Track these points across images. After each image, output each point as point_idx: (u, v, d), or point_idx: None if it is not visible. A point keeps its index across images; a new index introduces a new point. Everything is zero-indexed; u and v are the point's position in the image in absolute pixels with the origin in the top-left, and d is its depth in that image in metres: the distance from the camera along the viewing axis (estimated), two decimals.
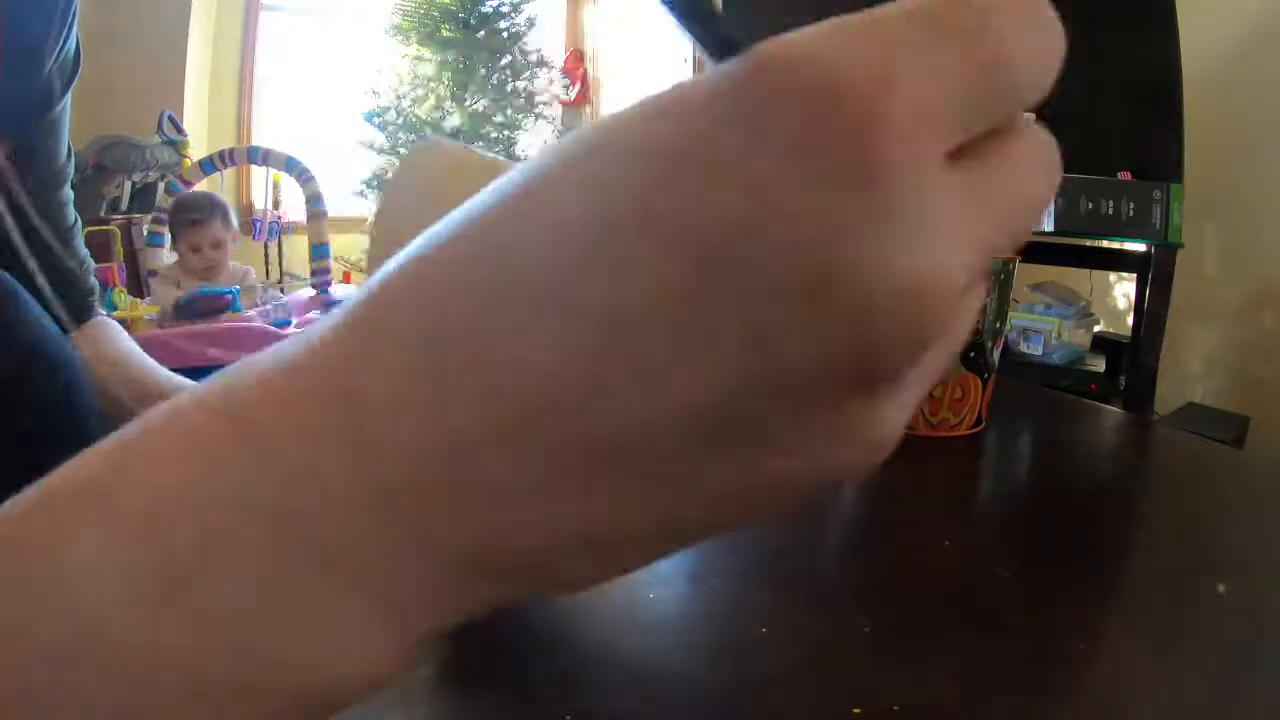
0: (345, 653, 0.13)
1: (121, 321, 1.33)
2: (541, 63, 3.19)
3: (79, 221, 0.66)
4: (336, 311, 0.14)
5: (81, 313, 0.63)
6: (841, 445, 0.12)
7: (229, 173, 2.72)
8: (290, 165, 2.38)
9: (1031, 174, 0.13)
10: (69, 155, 0.64)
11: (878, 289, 0.10)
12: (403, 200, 0.36)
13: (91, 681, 0.12)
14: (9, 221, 0.57)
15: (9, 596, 0.12)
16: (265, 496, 0.13)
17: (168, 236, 2.19)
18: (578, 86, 3.63)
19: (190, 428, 0.13)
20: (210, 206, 2.02)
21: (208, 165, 2.44)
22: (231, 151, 2.48)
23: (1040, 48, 0.13)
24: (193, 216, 1.98)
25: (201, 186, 2.44)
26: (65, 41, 0.57)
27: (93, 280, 0.66)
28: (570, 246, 0.12)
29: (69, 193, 0.65)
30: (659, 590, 0.32)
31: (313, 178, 2.30)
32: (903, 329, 0.11)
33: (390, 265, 0.14)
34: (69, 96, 0.60)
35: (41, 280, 0.57)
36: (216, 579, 0.12)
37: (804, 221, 0.10)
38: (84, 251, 0.66)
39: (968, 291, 0.12)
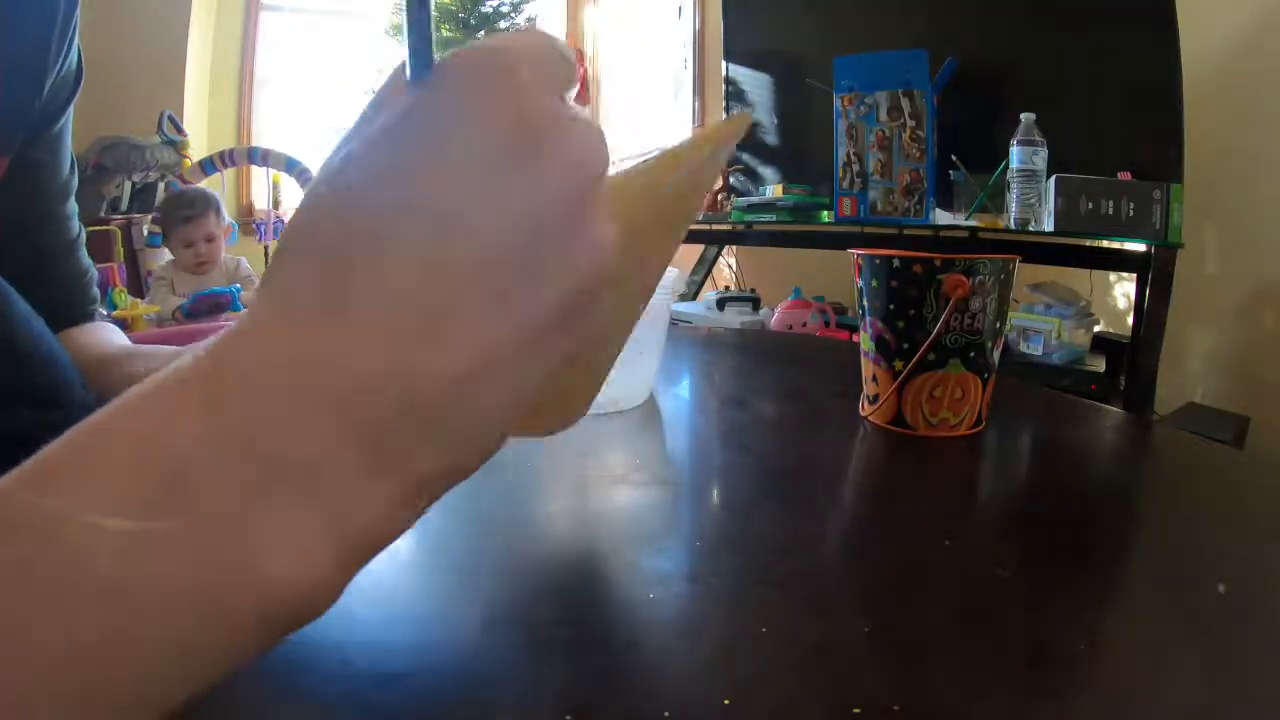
0: (302, 565, 0.16)
1: (121, 322, 1.33)
2: None
3: (83, 232, 0.66)
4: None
5: (83, 321, 0.64)
6: (580, 251, 0.18)
7: (229, 174, 2.72)
8: (290, 165, 2.38)
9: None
10: (73, 169, 0.64)
11: (570, 134, 0.18)
12: None
13: (82, 604, 0.14)
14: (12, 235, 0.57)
15: (6, 542, 0.15)
16: (218, 439, 0.16)
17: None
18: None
19: (161, 386, 0.17)
20: (203, 201, 2.03)
21: (208, 166, 2.44)
22: (232, 152, 2.48)
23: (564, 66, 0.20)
24: (185, 213, 1.99)
25: (202, 186, 2.44)
26: (66, 56, 0.57)
27: (95, 291, 0.66)
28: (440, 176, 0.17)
29: (73, 205, 0.65)
30: (659, 590, 0.32)
31: (313, 178, 2.30)
32: (565, 176, 0.18)
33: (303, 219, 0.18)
34: (71, 110, 0.60)
35: (44, 290, 0.57)
36: (181, 507, 0.15)
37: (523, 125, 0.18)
38: (88, 261, 0.66)
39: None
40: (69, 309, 0.62)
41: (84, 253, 0.66)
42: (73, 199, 0.65)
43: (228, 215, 2.14)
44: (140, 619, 0.15)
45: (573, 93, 0.21)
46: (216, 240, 2.03)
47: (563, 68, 0.20)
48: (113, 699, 0.15)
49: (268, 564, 0.16)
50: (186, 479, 0.15)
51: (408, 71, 0.19)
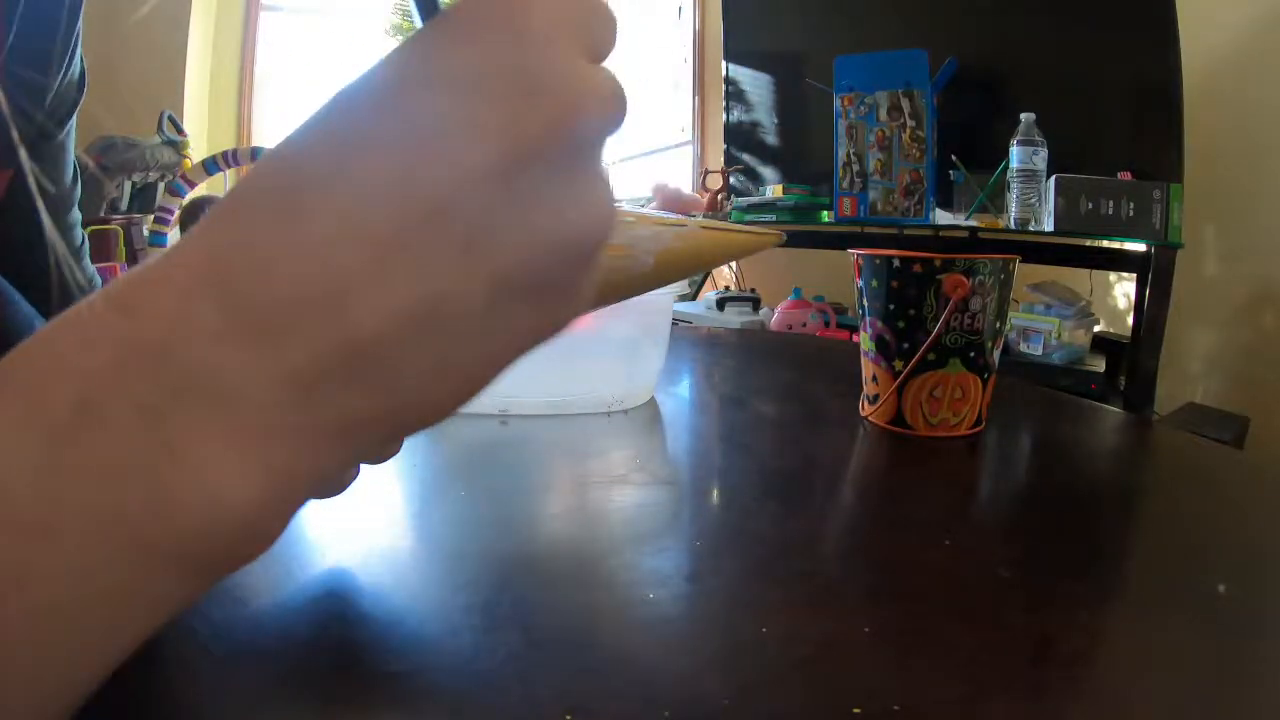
0: (217, 492, 0.15)
1: None
2: None
3: (86, 241, 0.66)
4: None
5: None
6: (576, 208, 0.17)
7: (231, 174, 2.72)
8: None
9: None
10: (75, 179, 0.64)
11: (563, 92, 0.17)
12: None
13: None
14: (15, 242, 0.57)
15: None
16: (136, 352, 0.15)
17: (170, 236, 2.19)
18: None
19: (70, 315, 0.16)
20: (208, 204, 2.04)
21: (211, 165, 2.44)
22: (235, 152, 2.48)
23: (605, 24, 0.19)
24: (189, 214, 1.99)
25: (204, 187, 2.44)
26: (69, 67, 0.57)
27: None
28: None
29: (77, 214, 0.65)
30: (659, 590, 0.32)
31: None
32: (571, 111, 0.17)
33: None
34: (74, 121, 0.60)
35: (48, 300, 0.57)
36: (93, 430, 0.14)
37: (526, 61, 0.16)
38: (91, 270, 0.66)
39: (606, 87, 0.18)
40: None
41: (88, 261, 0.66)
42: (76, 209, 0.65)
43: None
44: (49, 552, 0.14)
45: (607, 55, 0.19)
46: None
47: (594, 25, 0.18)
48: (22, 643, 0.14)
49: (179, 492, 0.15)
50: (96, 399, 0.14)
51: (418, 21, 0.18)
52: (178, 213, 2.06)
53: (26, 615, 0.14)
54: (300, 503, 0.17)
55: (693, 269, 0.27)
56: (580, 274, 0.18)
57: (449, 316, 0.16)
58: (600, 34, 0.18)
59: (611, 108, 0.17)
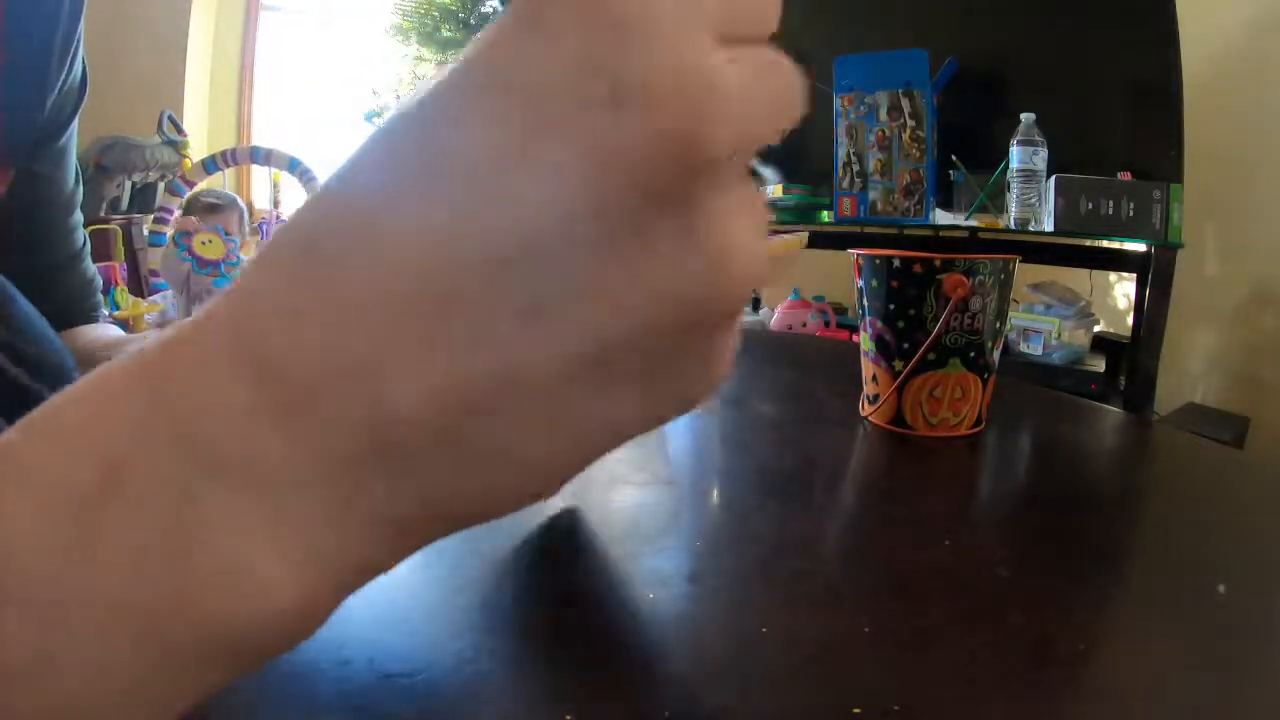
0: (252, 581, 0.13)
1: (123, 322, 1.33)
2: None
3: (88, 243, 0.66)
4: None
5: (84, 323, 0.64)
6: (710, 246, 0.13)
7: (230, 174, 2.72)
8: (293, 165, 2.38)
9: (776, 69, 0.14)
10: (77, 181, 0.64)
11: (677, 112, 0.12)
12: None
13: (6, 621, 0.12)
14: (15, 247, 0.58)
15: None
16: (166, 426, 0.13)
17: (164, 236, 2.19)
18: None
19: (97, 380, 0.14)
20: (232, 203, 2.05)
21: (210, 165, 2.43)
22: (234, 151, 2.47)
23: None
24: (211, 200, 2.02)
25: (203, 186, 2.43)
26: (70, 70, 0.57)
27: (98, 297, 0.67)
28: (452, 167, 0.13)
29: (78, 217, 0.65)
30: (659, 590, 0.32)
31: (315, 178, 2.30)
32: (693, 109, 0.12)
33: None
34: (75, 124, 0.60)
35: (48, 299, 0.57)
36: (120, 511, 0.13)
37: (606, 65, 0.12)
38: (92, 270, 0.66)
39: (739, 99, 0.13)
40: (72, 315, 0.63)
41: (89, 262, 0.66)
42: (78, 211, 0.65)
43: (248, 227, 2.16)
44: (70, 640, 0.13)
45: (762, 32, 0.14)
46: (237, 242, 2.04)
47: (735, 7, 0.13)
48: None
49: (212, 581, 0.13)
50: (122, 477, 0.13)
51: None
52: (178, 212, 2.06)
53: (40, 709, 0.13)
54: (351, 590, 0.15)
55: None
56: (709, 342, 0.14)
57: (508, 399, 0.13)
58: (748, 8, 0.13)
59: (758, 108, 0.13)
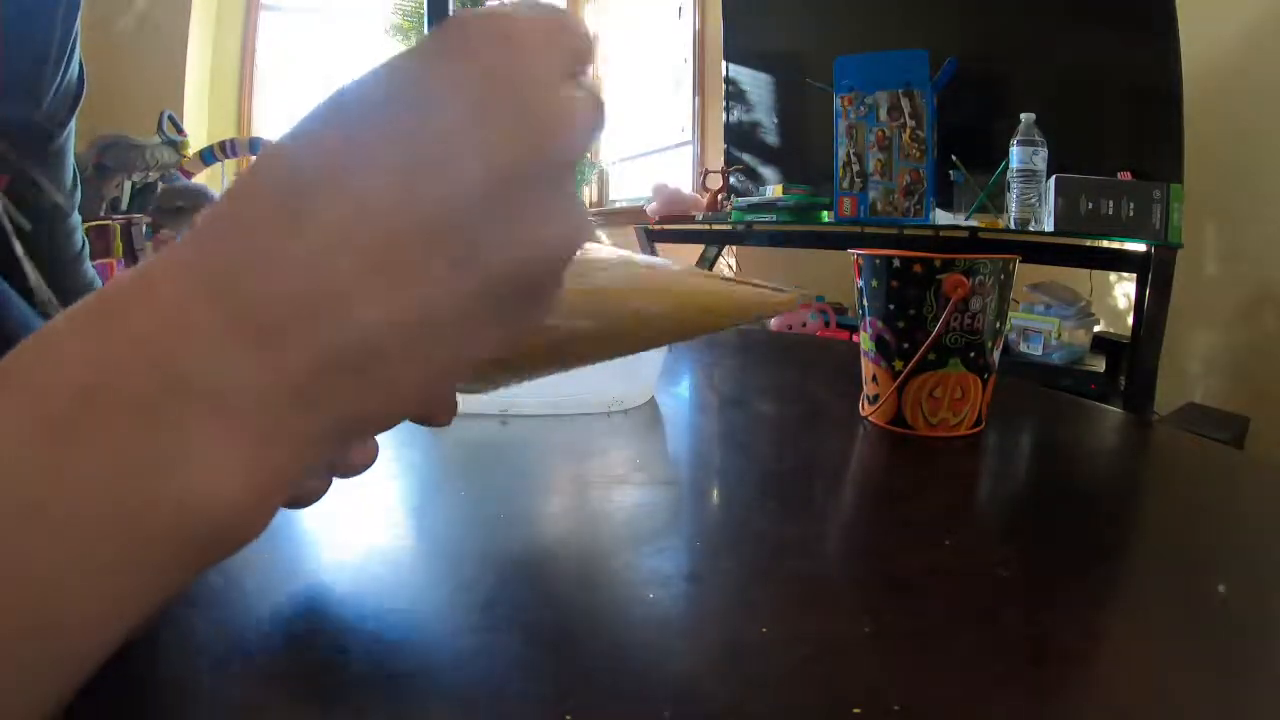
0: (214, 490, 0.15)
1: None
2: None
3: (86, 245, 0.66)
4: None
5: None
6: (553, 224, 0.18)
7: (229, 167, 2.71)
8: None
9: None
10: (75, 184, 0.63)
11: (548, 118, 0.18)
12: None
13: None
14: (15, 250, 0.57)
15: None
16: (136, 351, 0.15)
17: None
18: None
19: (68, 313, 0.16)
20: (200, 196, 2.00)
21: (208, 156, 2.43)
22: (233, 142, 2.47)
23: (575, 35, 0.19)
24: (179, 204, 1.96)
25: (201, 178, 2.43)
26: (66, 71, 0.56)
27: None
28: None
29: (77, 219, 0.65)
30: (659, 590, 0.32)
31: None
32: (555, 136, 0.18)
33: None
34: (73, 125, 0.60)
35: (46, 300, 0.57)
36: (93, 428, 0.15)
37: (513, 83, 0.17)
38: (92, 274, 0.66)
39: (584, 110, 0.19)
40: None
41: (88, 265, 0.66)
42: (76, 213, 0.64)
43: None
44: (56, 542, 0.14)
45: (586, 71, 0.20)
46: None
47: (574, 43, 0.19)
48: (19, 626, 0.14)
49: (178, 489, 0.15)
50: (100, 395, 0.15)
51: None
52: (164, 208, 2.04)
53: (25, 596, 0.14)
54: (283, 499, 0.18)
55: (673, 334, 0.27)
56: (554, 280, 0.19)
57: (439, 323, 0.17)
58: (580, 48, 0.19)
59: (589, 134, 0.19)
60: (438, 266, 0.17)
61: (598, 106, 0.19)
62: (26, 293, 0.61)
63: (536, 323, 0.19)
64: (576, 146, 0.18)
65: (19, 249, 0.57)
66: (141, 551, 0.15)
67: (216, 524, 0.16)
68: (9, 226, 0.56)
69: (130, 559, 0.15)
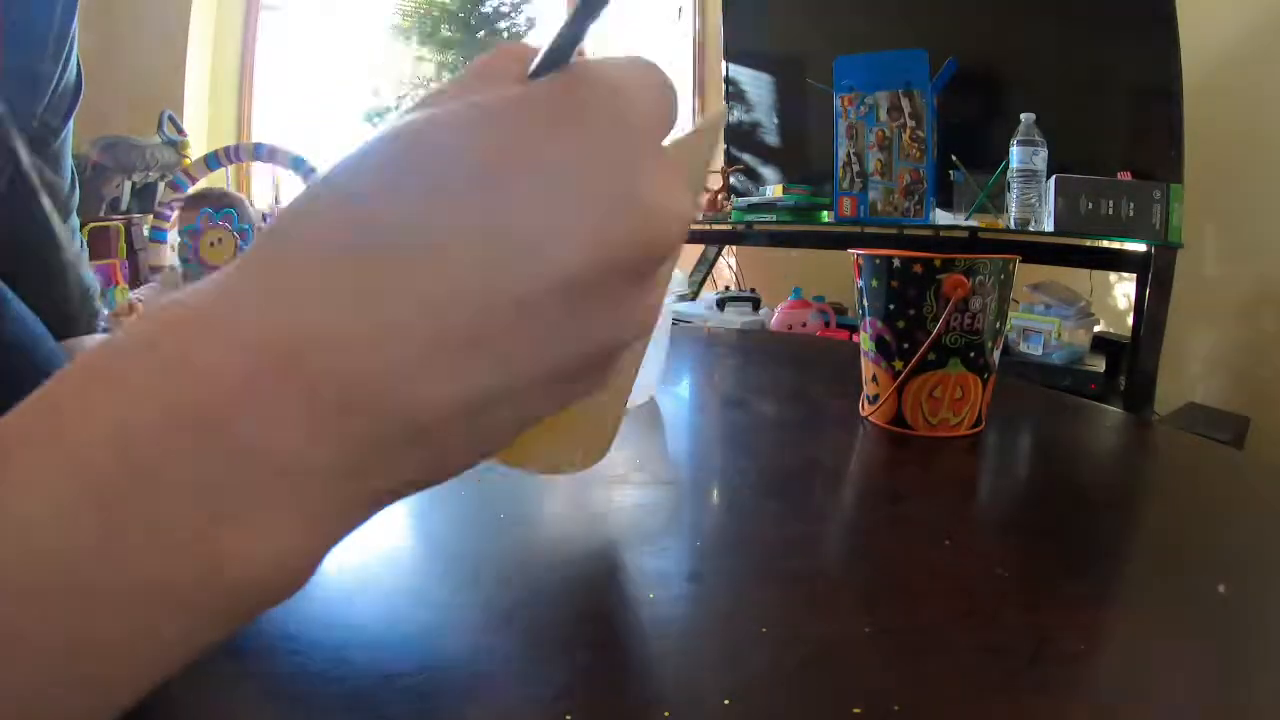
0: (269, 559, 0.15)
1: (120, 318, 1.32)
2: None
3: (85, 249, 0.66)
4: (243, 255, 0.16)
5: (86, 334, 0.64)
6: (634, 313, 0.18)
7: (232, 172, 2.71)
8: (297, 164, 2.38)
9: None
10: (73, 185, 0.63)
11: (657, 212, 0.17)
12: None
13: (43, 603, 0.13)
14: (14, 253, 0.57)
15: None
16: (191, 413, 0.14)
17: (170, 233, 2.16)
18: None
19: (108, 356, 0.15)
20: (221, 199, 2.00)
21: (212, 161, 2.42)
22: (237, 148, 2.46)
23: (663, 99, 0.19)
24: (205, 207, 1.96)
25: (204, 182, 2.43)
26: (64, 71, 0.56)
27: (99, 304, 0.66)
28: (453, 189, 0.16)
29: (75, 221, 0.64)
30: (659, 590, 0.32)
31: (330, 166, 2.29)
32: (662, 233, 0.17)
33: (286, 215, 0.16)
34: (71, 126, 0.60)
35: (47, 306, 0.57)
36: (147, 501, 0.14)
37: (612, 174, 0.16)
38: (90, 277, 0.66)
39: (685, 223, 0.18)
40: (72, 324, 0.62)
41: (87, 268, 0.66)
42: (74, 215, 0.64)
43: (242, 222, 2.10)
44: (102, 623, 0.14)
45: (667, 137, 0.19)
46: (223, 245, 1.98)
47: (672, 109, 0.18)
48: (71, 698, 0.14)
49: (233, 561, 0.15)
50: (149, 466, 0.14)
51: (534, 65, 0.18)
52: (177, 211, 2.04)
53: (78, 662, 0.14)
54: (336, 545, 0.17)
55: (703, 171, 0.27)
56: (610, 364, 0.19)
57: (503, 403, 0.16)
58: (675, 111, 0.19)
59: (687, 222, 0.18)
60: (509, 353, 0.16)
61: (695, 204, 0.19)
62: (59, 260, 0.61)
63: (604, 383, 0.19)
64: (675, 243, 0.17)
65: (47, 204, 0.56)
66: (193, 618, 0.15)
67: (269, 588, 0.16)
68: (37, 183, 0.56)
69: (182, 626, 0.15)
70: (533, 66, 0.18)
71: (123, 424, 0.14)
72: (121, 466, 0.14)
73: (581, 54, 0.18)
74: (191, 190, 2.04)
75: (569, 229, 0.15)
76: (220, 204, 2.01)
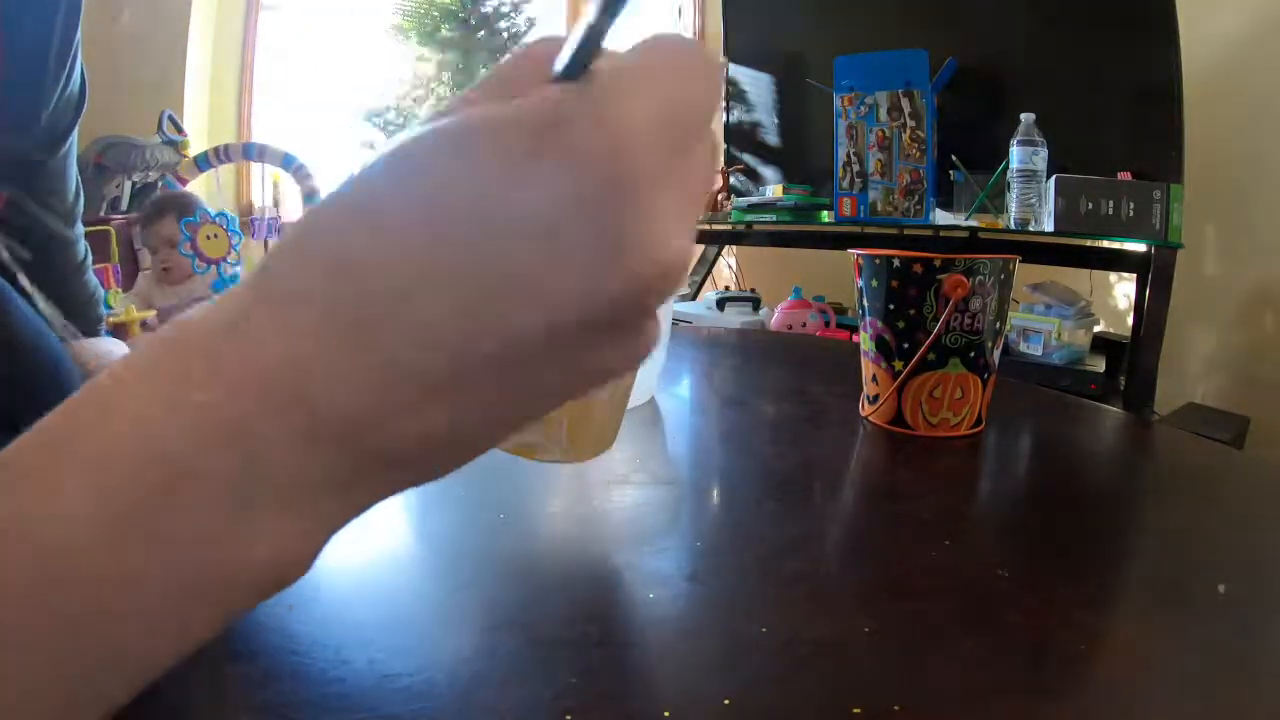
0: (285, 558, 0.17)
1: (119, 326, 1.32)
2: None
3: (89, 254, 0.66)
4: (258, 274, 0.17)
5: (88, 337, 0.64)
6: (633, 345, 0.18)
7: (228, 172, 2.72)
8: (287, 162, 2.37)
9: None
10: (78, 193, 0.63)
11: (652, 260, 0.16)
12: None
13: (71, 593, 0.15)
14: (15, 258, 0.57)
15: None
16: (225, 440, 0.16)
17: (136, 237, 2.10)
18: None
19: (138, 363, 0.16)
20: (161, 202, 1.90)
21: (202, 162, 2.43)
22: (227, 148, 2.46)
23: (707, 89, 0.18)
24: (147, 212, 1.87)
25: (197, 183, 2.43)
26: (68, 81, 0.56)
27: (102, 310, 0.67)
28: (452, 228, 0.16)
29: (79, 228, 0.65)
30: (659, 590, 0.32)
31: (310, 175, 2.29)
32: (656, 282, 0.16)
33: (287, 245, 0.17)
34: (75, 135, 0.60)
35: (48, 308, 0.57)
36: (179, 508, 0.15)
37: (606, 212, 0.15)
38: (95, 283, 0.66)
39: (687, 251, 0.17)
40: (76, 326, 0.62)
41: (90, 274, 0.66)
42: (79, 223, 0.64)
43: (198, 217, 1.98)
44: (141, 623, 0.15)
45: (710, 119, 0.18)
46: (176, 246, 1.81)
47: (688, 114, 0.17)
48: (91, 676, 0.15)
49: (254, 562, 0.17)
50: (180, 479, 0.15)
51: (558, 64, 0.17)
52: (142, 212, 1.99)
53: (106, 653, 0.15)
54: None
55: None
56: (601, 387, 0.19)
57: (489, 426, 0.18)
58: (714, 102, 0.18)
59: (690, 256, 0.17)
60: (493, 399, 0.17)
61: (691, 251, 0.17)
62: (68, 264, 0.61)
63: (589, 396, 0.20)
64: (671, 289, 0.17)
65: (25, 282, 0.57)
66: (211, 611, 0.17)
67: (280, 582, 0.17)
68: (6, 257, 0.56)
69: (200, 618, 0.17)
70: (558, 66, 0.17)
71: (154, 437, 0.16)
72: (165, 484, 0.15)
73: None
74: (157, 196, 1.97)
75: (554, 280, 0.15)
76: (185, 209, 1.92)
